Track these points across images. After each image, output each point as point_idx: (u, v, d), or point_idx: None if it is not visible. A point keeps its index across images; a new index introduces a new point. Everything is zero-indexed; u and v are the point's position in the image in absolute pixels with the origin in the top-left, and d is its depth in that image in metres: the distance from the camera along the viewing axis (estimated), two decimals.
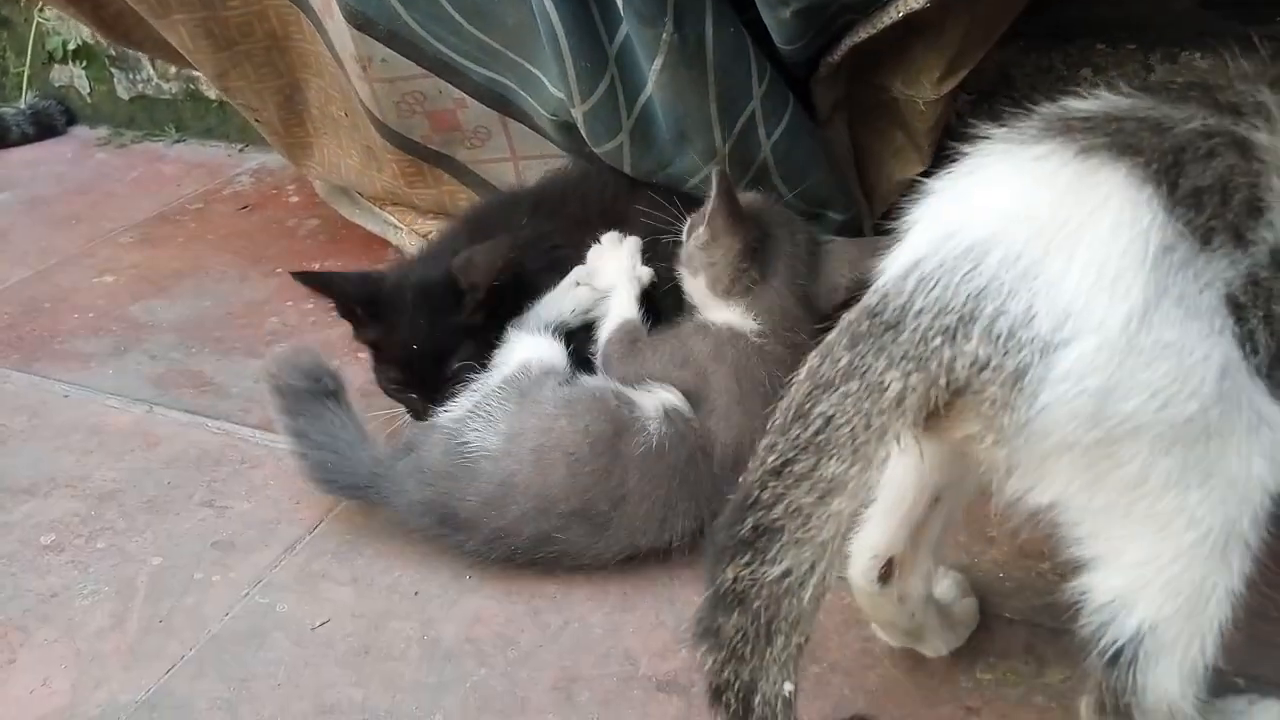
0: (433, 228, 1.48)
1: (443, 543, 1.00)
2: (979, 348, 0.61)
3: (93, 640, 0.95)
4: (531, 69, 1.22)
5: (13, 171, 1.95)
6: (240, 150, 1.99)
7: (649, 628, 0.97)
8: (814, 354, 0.69)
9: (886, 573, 0.83)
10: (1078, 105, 0.70)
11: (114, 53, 2.05)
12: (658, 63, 1.09)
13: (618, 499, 0.98)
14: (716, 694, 0.70)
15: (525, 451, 0.98)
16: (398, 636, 0.95)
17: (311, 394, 1.02)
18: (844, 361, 0.65)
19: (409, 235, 1.51)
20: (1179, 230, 0.61)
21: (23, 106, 2.10)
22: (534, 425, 0.99)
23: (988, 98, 1.53)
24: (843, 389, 0.65)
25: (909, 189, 1.41)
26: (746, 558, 0.67)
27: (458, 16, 1.19)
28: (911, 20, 1.10)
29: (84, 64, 2.08)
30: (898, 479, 0.80)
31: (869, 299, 0.68)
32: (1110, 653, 0.66)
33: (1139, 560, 0.65)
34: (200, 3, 1.35)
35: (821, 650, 0.93)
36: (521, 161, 1.40)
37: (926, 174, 1.38)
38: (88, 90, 2.12)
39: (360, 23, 1.21)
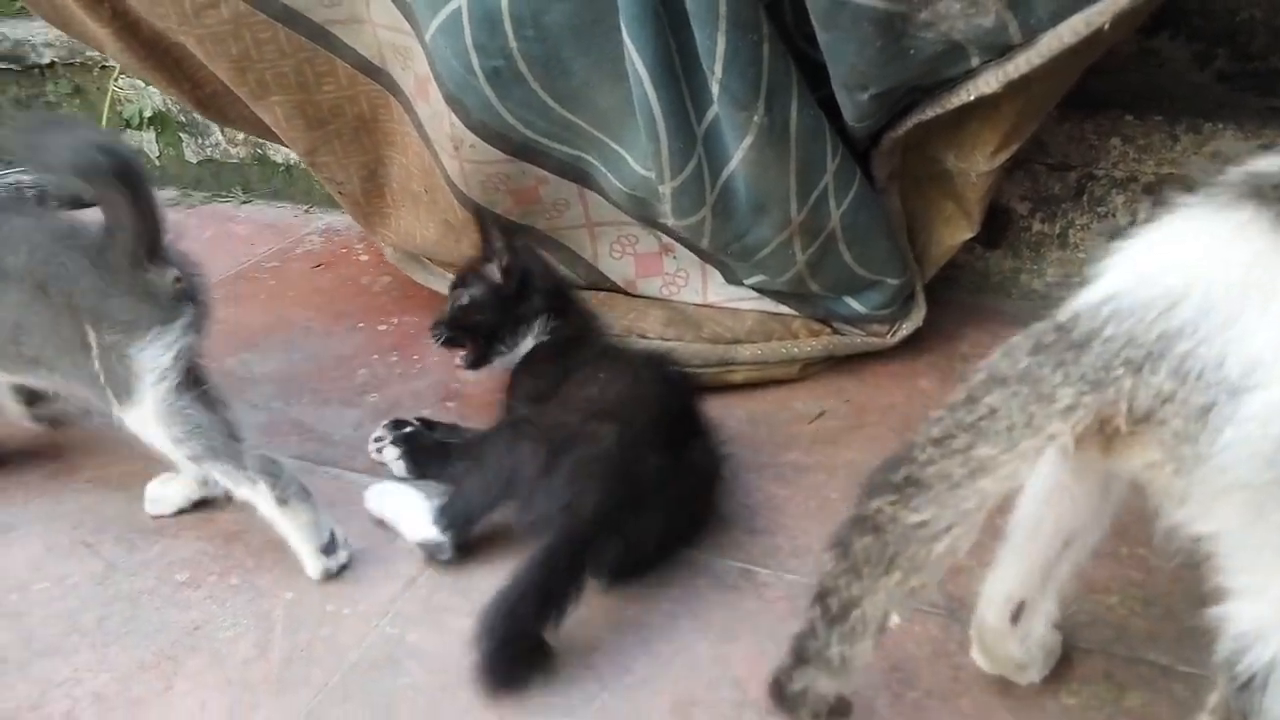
0: None
1: None
2: (1165, 382, 0.68)
3: (241, 669, 1.02)
4: (616, 147, 1.32)
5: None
6: (307, 211, 2.10)
7: (754, 657, 1.04)
8: (999, 350, 0.76)
9: (1017, 614, 0.91)
10: (1267, 167, 0.76)
11: (184, 119, 2.16)
12: (747, 142, 1.20)
13: None
14: (821, 594, 0.77)
15: None
16: None
17: None
18: (1022, 365, 0.73)
19: None
20: None
21: None
22: None
23: (1022, 164, 1.65)
24: (1014, 389, 0.72)
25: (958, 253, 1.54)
26: (892, 498, 0.74)
27: (549, 101, 1.27)
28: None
29: (158, 129, 2.19)
30: (1032, 522, 0.87)
31: (1060, 315, 0.75)
32: (1243, 678, 0.72)
33: None
34: (297, 86, 1.43)
35: (915, 679, 1.01)
36: (596, 228, 1.50)
37: (975, 239, 1.51)
38: (156, 154, 2.23)
39: (457, 109, 1.30)
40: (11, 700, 0.98)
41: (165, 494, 1.23)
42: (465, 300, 1.36)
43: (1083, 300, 0.75)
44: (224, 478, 1.09)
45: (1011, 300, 1.76)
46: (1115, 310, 0.71)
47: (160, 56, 1.49)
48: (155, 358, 1.07)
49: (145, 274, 1.07)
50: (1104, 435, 0.71)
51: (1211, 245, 0.72)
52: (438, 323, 1.37)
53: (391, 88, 1.44)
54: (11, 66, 2.29)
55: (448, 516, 1.12)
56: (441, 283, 1.66)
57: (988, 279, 1.77)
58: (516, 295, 1.34)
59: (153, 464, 1.28)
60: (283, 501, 1.09)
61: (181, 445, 1.09)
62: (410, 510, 1.16)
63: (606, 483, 1.06)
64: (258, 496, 1.09)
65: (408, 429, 1.32)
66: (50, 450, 1.35)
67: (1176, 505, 0.71)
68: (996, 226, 1.70)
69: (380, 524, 1.20)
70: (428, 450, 1.29)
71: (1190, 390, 0.67)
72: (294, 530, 1.11)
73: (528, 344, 1.34)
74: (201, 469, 1.10)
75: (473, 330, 1.36)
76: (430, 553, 1.13)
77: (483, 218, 1.40)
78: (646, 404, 1.16)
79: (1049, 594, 0.92)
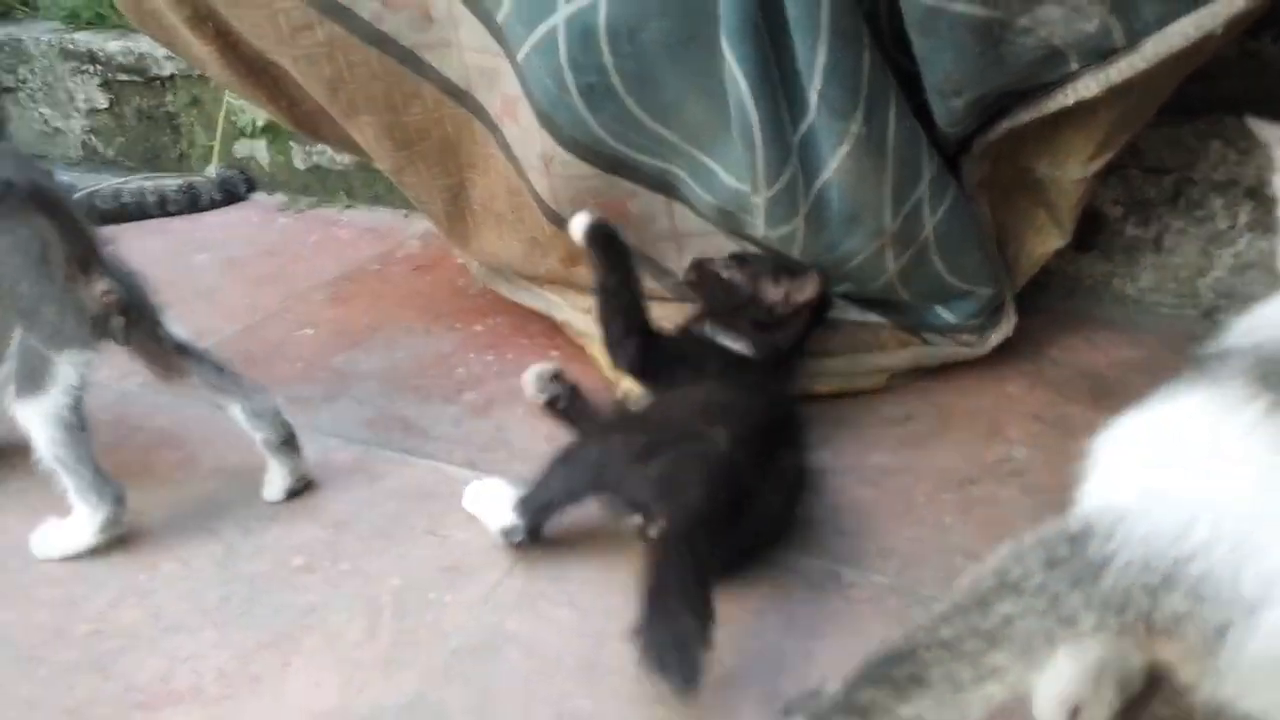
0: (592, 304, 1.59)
1: None
2: (1181, 603, 0.67)
3: (352, 650, 1.08)
4: (706, 160, 1.33)
5: (209, 234, 2.16)
6: (405, 216, 2.18)
7: (839, 656, 1.06)
8: (1007, 551, 0.73)
9: (1074, 715, 0.91)
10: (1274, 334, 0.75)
11: None
12: (843, 151, 1.21)
13: None
14: None
15: None
16: (617, 654, 1.06)
17: None
18: (1037, 579, 0.71)
19: (571, 310, 1.61)
20: None
21: (211, 175, 2.34)
22: None
23: (1116, 168, 1.63)
24: (1031, 601, 0.70)
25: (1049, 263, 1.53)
26: (887, 690, 0.73)
27: (642, 115, 1.29)
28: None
29: (269, 138, 2.31)
30: None
31: (1071, 523, 0.73)
32: None
33: None
34: (386, 107, 1.46)
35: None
36: (682, 239, 1.51)
37: (1065, 248, 1.50)
38: (267, 161, 2.35)
39: (549, 126, 1.32)
40: (143, 673, 1.06)
41: (274, 480, 1.31)
42: (728, 278, 1.36)
43: (1093, 509, 0.74)
44: (72, 488, 1.18)
45: (1103, 305, 1.74)
46: (1128, 535, 0.70)
47: (259, 75, 1.53)
48: (69, 372, 1.16)
49: (76, 288, 1.14)
50: (1124, 638, 0.71)
51: (1222, 453, 0.70)
52: (698, 264, 1.39)
53: (476, 111, 1.46)
54: (135, 78, 2.43)
55: (525, 503, 1.16)
56: (528, 296, 1.68)
57: (1079, 283, 1.75)
58: (762, 322, 1.34)
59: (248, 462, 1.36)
60: (103, 532, 1.20)
61: (52, 447, 1.17)
62: (495, 502, 1.19)
63: (710, 480, 1.08)
64: (90, 519, 1.19)
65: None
66: (174, 441, 1.44)
67: (1206, 691, 0.71)
68: (1089, 230, 1.68)
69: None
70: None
71: (1207, 610, 0.67)
72: (75, 546, 1.21)
73: (722, 341, 1.35)
74: (55, 469, 1.18)
75: (708, 296, 1.38)
76: (505, 536, 1.16)
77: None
78: (750, 411, 1.19)
79: (1106, 686, 0.91)
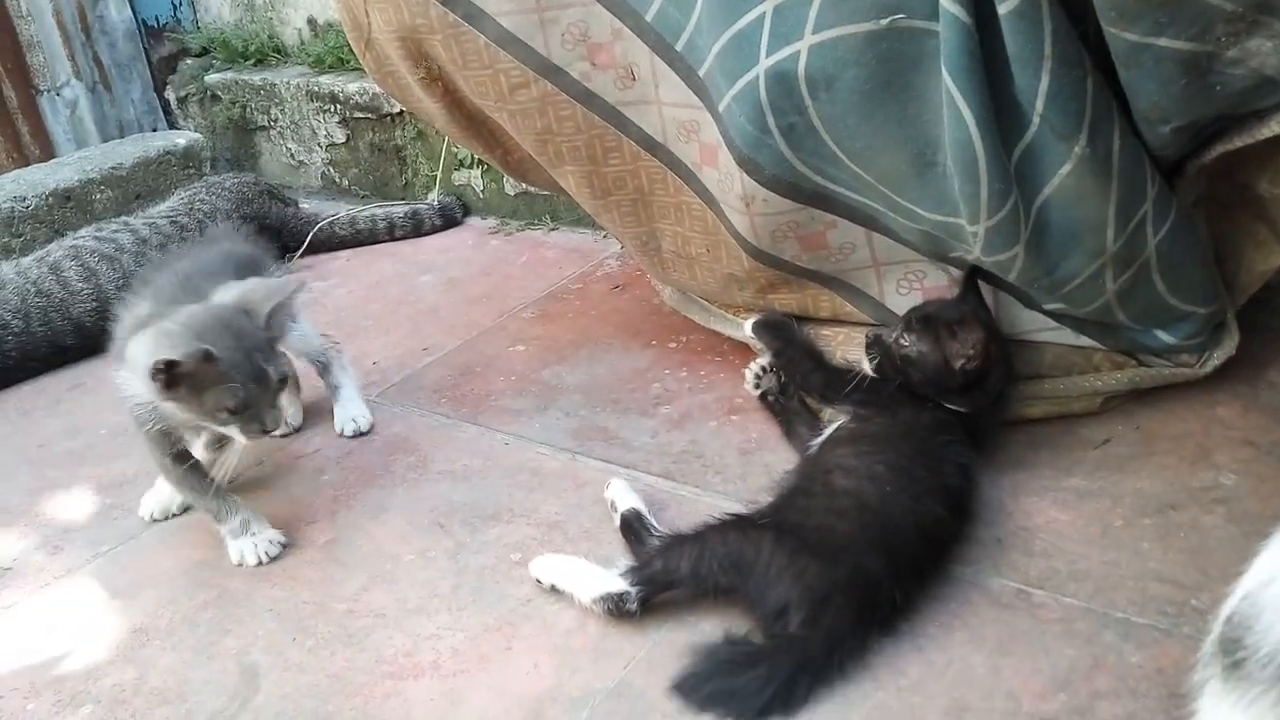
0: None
1: None
2: None
3: (564, 638, 1.20)
4: (902, 201, 1.34)
5: (431, 256, 2.39)
6: (604, 237, 2.32)
7: (1028, 672, 1.09)
8: None
9: None
10: None
11: None
12: (1064, 170, 1.20)
13: None
14: None
15: None
16: None
17: None
18: None
19: None
20: None
21: (433, 202, 2.57)
22: None
23: None
24: None
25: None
26: None
27: (841, 154, 1.31)
28: None
29: (483, 168, 2.51)
30: None
31: None
32: None
33: None
34: (588, 159, 1.57)
35: None
36: (883, 267, 1.53)
37: None
38: (481, 188, 2.56)
39: (750, 168, 1.37)
40: (390, 648, 1.22)
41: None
42: (914, 354, 1.34)
43: None
44: (338, 365, 1.71)
45: None
46: None
47: (478, 128, 1.70)
48: None
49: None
50: None
51: None
52: (877, 340, 1.39)
53: (670, 163, 1.54)
54: (369, 115, 2.71)
55: (643, 575, 1.19)
56: (722, 322, 1.74)
57: None
58: (959, 388, 1.33)
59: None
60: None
61: (325, 347, 1.73)
62: (582, 572, 1.24)
63: (859, 607, 1.13)
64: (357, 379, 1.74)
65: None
66: (408, 445, 1.63)
67: None
68: None
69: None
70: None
71: None
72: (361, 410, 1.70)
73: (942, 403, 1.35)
74: (328, 361, 1.71)
75: (902, 375, 1.36)
76: (614, 604, 1.18)
77: (972, 287, 1.40)
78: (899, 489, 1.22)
79: None
